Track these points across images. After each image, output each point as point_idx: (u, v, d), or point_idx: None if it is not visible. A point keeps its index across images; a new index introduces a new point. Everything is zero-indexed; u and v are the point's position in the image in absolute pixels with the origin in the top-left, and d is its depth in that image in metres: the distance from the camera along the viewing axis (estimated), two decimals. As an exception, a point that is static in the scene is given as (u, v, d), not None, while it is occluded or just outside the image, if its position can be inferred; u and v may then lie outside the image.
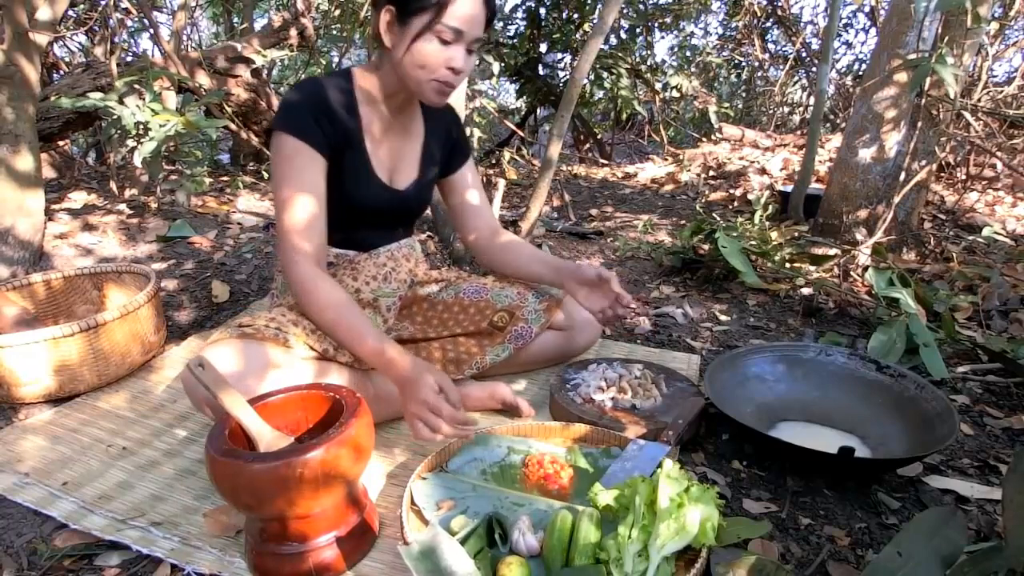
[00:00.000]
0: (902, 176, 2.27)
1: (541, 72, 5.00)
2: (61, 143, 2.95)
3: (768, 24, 6.19)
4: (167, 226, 2.27)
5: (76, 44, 3.74)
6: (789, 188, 3.24)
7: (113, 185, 2.57)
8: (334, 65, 5.23)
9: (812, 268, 2.20)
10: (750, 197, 3.43)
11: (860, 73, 5.57)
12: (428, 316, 1.38)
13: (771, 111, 6.38)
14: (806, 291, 2.06)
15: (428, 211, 1.94)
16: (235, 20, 4.56)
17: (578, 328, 1.44)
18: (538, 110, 5.61)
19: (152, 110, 2.05)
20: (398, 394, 1.16)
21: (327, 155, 1.12)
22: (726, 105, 5.67)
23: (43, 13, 1.82)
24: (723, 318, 1.90)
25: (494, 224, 1.40)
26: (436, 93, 1.11)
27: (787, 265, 2.18)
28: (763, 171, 4.02)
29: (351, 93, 1.16)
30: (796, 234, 2.46)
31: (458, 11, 1.03)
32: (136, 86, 2.15)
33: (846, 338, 1.74)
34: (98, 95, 2.01)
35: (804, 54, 5.77)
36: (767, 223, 2.43)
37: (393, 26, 1.07)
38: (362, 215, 1.23)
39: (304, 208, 1.08)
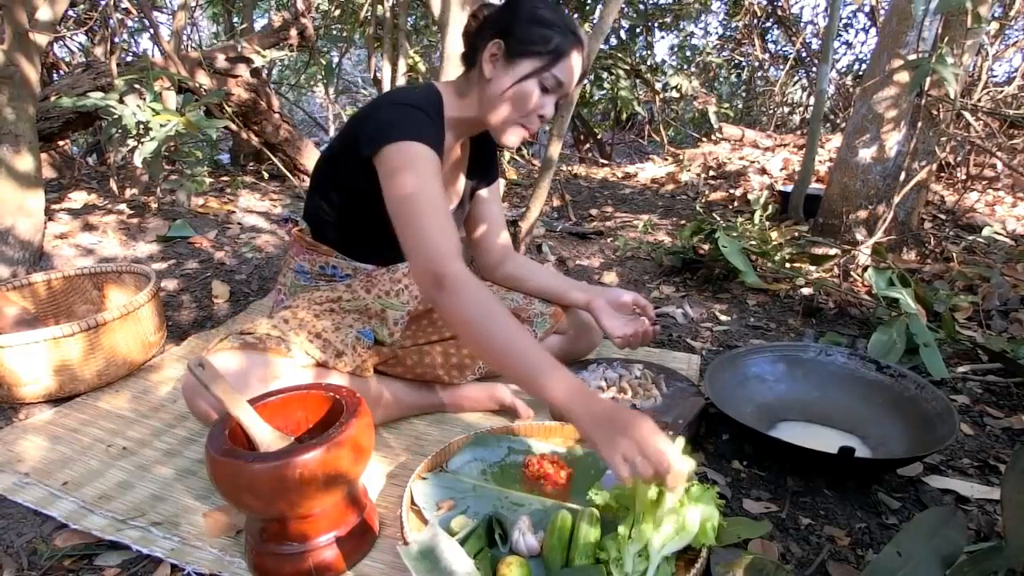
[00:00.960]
0: (902, 176, 2.27)
1: (541, 72, 4.99)
2: (61, 143, 2.95)
3: (768, 24, 6.19)
4: (167, 226, 2.27)
5: (76, 44, 3.74)
6: (789, 188, 3.24)
7: (113, 185, 2.57)
8: (334, 65, 5.23)
9: (812, 268, 2.20)
10: (750, 197, 3.43)
11: (860, 73, 5.57)
12: (433, 318, 1.38)
13: (771, 111, 6.38)
14: (806, 291, 2.06)
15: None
16: (235, 20, 4.56)
17: (580, 332, 1.44)
18: (538, 110, 5.60)
19: (152, 110, 2.05)
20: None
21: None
22: (726, 105, 5.67)
23: (43, 13, 1.82)
24: (723, 318, 1.90)
25: (509, 245, 1.40)
26: (516, 136, 1.12)
27: (787, 265, 2.18)
28: (763, 171, 4.02)
29: (442, 115, 1.13)
30: (796, 234, 2.46)
31: (567, 64, 1.06)
32: (136, 86, 2.15)
33: (846, 338, 1.74)
34: (98, 95, 2.01)
35: (804, 54, 5.77)
36: (767, 223, 2.43)
37: (498, 60, 1.07)
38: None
39: (448, 216, 0.98)
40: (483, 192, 1.37)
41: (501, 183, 2.54)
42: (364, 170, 1.05)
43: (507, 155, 4.45)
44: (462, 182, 1.30)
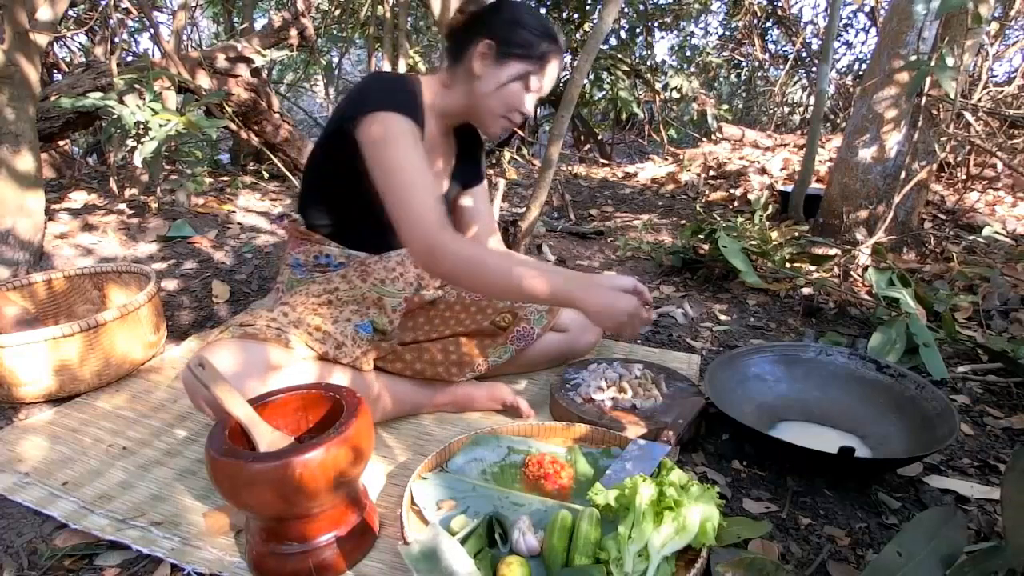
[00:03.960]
0: (902, 176, 2.27)
1: (541, 72, 4.99)
2: (61, 143, 2.95)
3: (768, 24, 6.19)
4: (167, 226, 2.27)
5: (76, 44, 3.74)
6: (789, 188, 3.24)
7: (113, 185, 2.57)
8: (334, 65, 5.23)
9: (812, 268, 2.20)
10: (750, 197, 3.43)
11: (860, 73, 5.57)
12: (430, 316, 1.38)
13: (771, 111, 6.38)
14: (806, 291, 2.06)
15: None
16: (235, 20, 4.56)
17: (580, 330, 1.44)
18: (538, 110, 5.61)
19: (152, 110, 2.05)
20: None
21: None
22: (725, 107, 5.67)
23: (43, 13, 1.82)
24: (723, 318, 1.90)
25: (496, 244, 1.41)
26: (501, 128, 1.21)
27: (787, 265, 2.18)
28: (763, 171, 4.02)
29: (420, 101, 1.17)
30: (796, 234, 2.46)
31: (550, 70, 1.17)
32: (136, 86, 2.15)
33: (846, 338, 1.74)
34: (98, 95, 2.01)
35: (804, 54, 5.77)
36: (767, 223, 2.43)
37: (488, 58, 1.13)
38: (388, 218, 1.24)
39: (431, 185, 1.04)
40: (470, 195, 1.38)
41: (501, 183, 2.54)
42: (351, 148, 1.09)
43: (507, 155, 4.45)
44: (448, 170, 1.32)
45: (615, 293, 1.01)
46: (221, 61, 2.94)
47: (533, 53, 1.13)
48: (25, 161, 1.81)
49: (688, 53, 6.06)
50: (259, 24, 4.00)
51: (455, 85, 1.19)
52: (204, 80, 2.80)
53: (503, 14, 1.14)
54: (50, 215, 2.16)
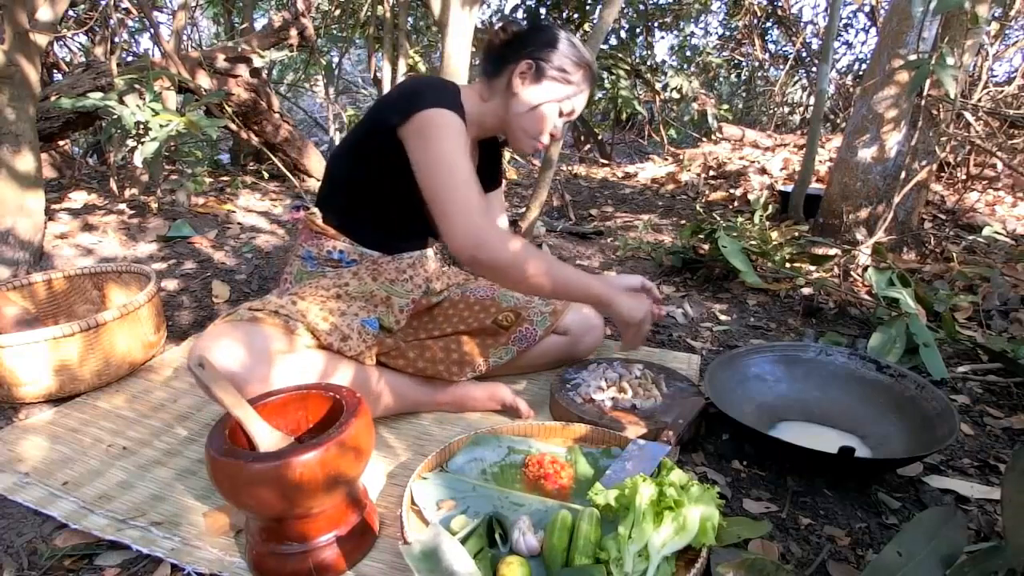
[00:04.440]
0: (902, 176, 2.27)
1: (541, 72, 4.99)
2: (61, 143, 2.95)
3: (768, 24, 6.19)
4: (167, 226, 2.27)
5: (76, 44, 3.74)
6: (789, 188, 3.24)
7: (113, 185, 2.57)
8: (334, 65, 5.23)
9: (812, 268, 2.20)
10: (750, 197, 3.43)
11: (860, 73, 5.57)
12: (433, 313, 1.39)
13: (771, 111, 6.38)
14: (806, 291, 2.06)
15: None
16: (235, 20, 4.56)
17: (581, 334, 1.44)
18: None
19: (152, 110, 2.05)
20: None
21: None
22: (725, 107, 5.67)
23: (43, 13, 1.82)
24: (723, 318, 1.90)
25: None
26: (530, 146, 1.24)
27: (787, 265, 2.18)
28: (763, 171, 4.02)
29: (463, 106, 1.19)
30: (796, 234, 2.46)
31: (584, 96, 1.22)
32: (136, 86, 2.15)
33: (846, 338, 1.74)
34: (98, 95, 2.01)
35: (804, 54, 5.77)
36: (767, 223, 2.43)
37: (527, 78, 1.17)
38: (411, 219, 1.25)
39: (476, 183, 1.07)
40: (485, 199, 1.38)
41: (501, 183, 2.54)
42: (389, 146, 1.10)
43: (507, 155, 4.45)
44: None
45: (637, 296, 1.18)
46: (221, 61, 2.94)
47: (571, 79, 1.17)
48: (25, 161, 1.81)
49: (688, 53, 6.06)
50: (259, 24, 4.00)
51: (491, 99, 1.22)
52: (204, 80, 2.80)
53: (544, 37, 1.18)
54: (50, 215, 2.16)
